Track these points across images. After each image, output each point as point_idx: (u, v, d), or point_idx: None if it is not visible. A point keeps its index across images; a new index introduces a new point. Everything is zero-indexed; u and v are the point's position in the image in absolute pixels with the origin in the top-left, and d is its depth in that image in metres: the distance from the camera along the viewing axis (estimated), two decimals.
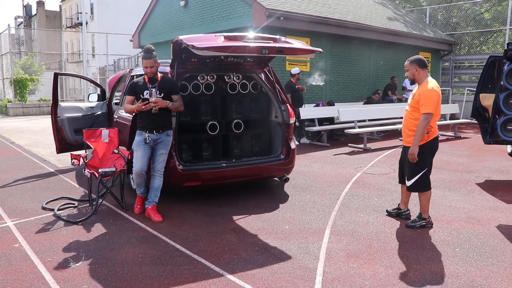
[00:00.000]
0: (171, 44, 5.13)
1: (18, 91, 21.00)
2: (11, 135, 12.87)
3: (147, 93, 4.97)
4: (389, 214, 5.22)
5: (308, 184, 6.70)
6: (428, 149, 4.69)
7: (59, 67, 28.45)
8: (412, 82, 4.83)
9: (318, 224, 4.91)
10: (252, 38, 5.04)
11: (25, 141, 11.41)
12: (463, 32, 19.36)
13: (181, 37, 4.72)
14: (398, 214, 5.15)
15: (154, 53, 4.96)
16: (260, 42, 4.91)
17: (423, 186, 4.77)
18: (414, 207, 5.33)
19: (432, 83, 4.63)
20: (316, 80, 12.04)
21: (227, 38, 4.84)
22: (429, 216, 4.86)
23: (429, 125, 4.58)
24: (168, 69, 5.61)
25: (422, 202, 4.83)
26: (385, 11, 16.79)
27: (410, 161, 4.68)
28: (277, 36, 5.37)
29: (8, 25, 21.77)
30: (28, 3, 54.50)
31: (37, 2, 48.71)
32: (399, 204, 5.23)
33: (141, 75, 5.38)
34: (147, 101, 4.88)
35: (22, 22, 53.47)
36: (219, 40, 4.77)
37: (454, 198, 5.98)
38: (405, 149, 4.88)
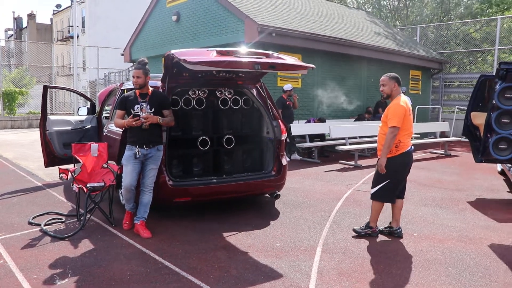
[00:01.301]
0: (163, 58, 5.09)
1: (6, 104, 20.79)
2: None
3: (137, 107, 4.91)
4: (381, 232, 5.17)
5: (299, 201, 6.64)
6: (396, 163, 4.79)
7: (49, 80, 28.31)
8: (387, 97, 4.96)
9: (309, 241, 4.85)
10: (244, 53, 5.02)
11: (13, 154, 11.24)
12: (453, 51, 19.63)
13: (173, 51, 4.69)
14: (391, 232, 5.12)
15: (146, 66, 4.94)
16: (253, 58, 4.90)
17: (381, 196, 4.92)
18: (402, 221, 5.29)
19: (400, 99, 4.80)
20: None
21: (220, 53, 4.81)
22: (376, 226, 5.05)
23: (398, 139, 4.73)
24: (159, 83, 5.57)
25: (373, 211, 5.01)
26: (376, 29, 16.97)
27: (377, 170, 4.87)
28: (270, 52, 5.36)
29: None
30: (18, 15, 54.22)
31: (28, 15, 48.62)
32: (391, 222, 5.20)
33: (131, 89, 5.33)
34: (138, 117, 4.82)
35: (12, 35, 53.25)
36: (212, 55, 4.74)
37: (445, 217, 5.95)
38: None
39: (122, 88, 6.68)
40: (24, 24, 51.45)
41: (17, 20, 53.73)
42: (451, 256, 4.46)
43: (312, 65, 5.19)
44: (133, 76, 4.91)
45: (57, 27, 43.30)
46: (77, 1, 27.95)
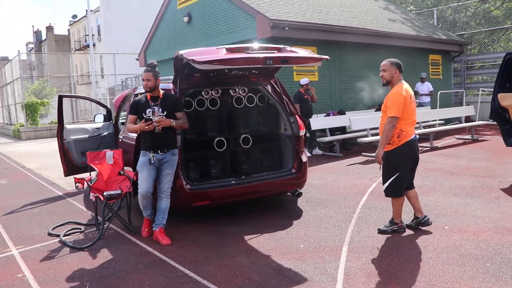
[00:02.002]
0: (173, 60, 4.96)
1: (29, 115, 21.12)
2: (22, 159, 12.82)
3: (149, 111, 4.79)
4: (409, 227, 4.92)
5: (322, 197, 6.43)
6: (400, 153, 4.58)
7: (69, 90, 28.66)
8: (387, 84, 4.72)
9: (334, 241, 4.64)
10: (255, 49, 4.84)
11: (35, 165, 11.33)
12: (473, 32, 18.99)
13: (181, 52, 4.55)
14: (418, 223, 4.88)
15: (155, 68, 4.83)
16: (264, 53, 4.71)
17: (394, 191, 4.69)
18: (431, 213, 5.04)
19: (399, 86, 4.60)
20: None
21: (229, 50, 4.65)
22: (401, 221, 4.81)
23: (399, 128, 4.52)
24: (171, 85, 5.44)
25: (394, 207, 4.78)
26: (391, 15, 16.54)
27: (384, 165, 4.66)
28: (282, 46, 5.15)
29: (18, 51, 21.99)
30: (38, 29, 55.24)
31: (47, 28, 49.44)
32: (414, 213, 4.96)
33: (143, 93, 5.22)
34: (150, 121, 4.70)
35: (33, 48, 54.30)
36: (221, 53, 4.57)
37: (478, 206, 5.64)
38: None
39: (135, 92, 6.59)
40: (43, 37, 52.36)
41: (37, 34, 54.76)
42: (487, 250, 4.17)
43: (326, 56, 4.97)
44: (143, 80, 4.80)
45: (74, 37, 43.95)
46: (91, 10, 28.22)
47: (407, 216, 5.30)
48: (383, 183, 4.75)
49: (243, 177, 5.61)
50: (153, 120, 4.72)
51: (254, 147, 6.07)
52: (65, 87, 33.12)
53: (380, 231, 4.81)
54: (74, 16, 45.50)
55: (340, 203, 6.11)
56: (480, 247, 4.25)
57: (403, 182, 4.66)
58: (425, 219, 4.85)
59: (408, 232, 4.79)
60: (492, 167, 8.05)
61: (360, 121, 10.64)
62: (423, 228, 4.83)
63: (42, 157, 13.08)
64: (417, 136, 4.80)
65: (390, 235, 4.71)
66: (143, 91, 5.58)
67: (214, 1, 13.05)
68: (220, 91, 5.85)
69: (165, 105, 4.83)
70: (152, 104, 4.81)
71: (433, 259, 4.04)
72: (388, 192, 4.74)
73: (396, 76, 4.65)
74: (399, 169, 4.60)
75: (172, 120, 4.79)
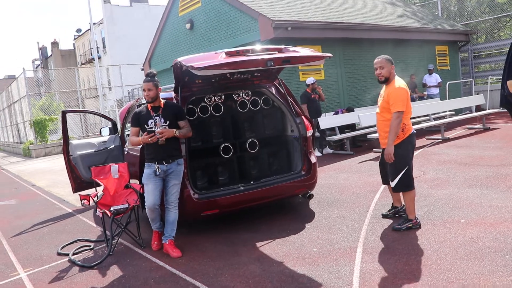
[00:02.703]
0: (172, 67, 4.88)
1: (38, 132, 21.22)
2: (32, 177, 12.86)
3: (151, 122, 4.70)
4: (386, 216, 5.06)
5: (334, 197, 6.31)
6: (406, 146, 4.65)
7: (78, 104, 28.82)
8: (385, 81, 4.70)
9: (348, 242, 4.52)
10: (256, 51, 4.73)
11: (45, 182, 11.34)
12: (479, 20, 18.72)
13: (179, 59, 4.46)
14: (396, 212, 5.02)
15: (155, 78, 4.75)
16: (265, 54, 4.60)
17: (407, 185, 4.68)
18: (446, 206, 4.89)
19: (399, 81, 4.63)
20: None
21: (229, 54, 4.54)
22: (415, 217, 4.73)
23: (403, 122, 4.56)
24: (173, 94, 5.36)
25: (406, 203, 4.74)
26: (395, 9, 16.36)
27: (388, 161, 4.64)
28: (283, 46, 5.05)
29: (23, 68, 22.16)
30: (43, 45, 55.77)
31: (52, 43, 49.85)
32: (392, 203, 5.09)
33: (144, 104, 5.14)
34: (153, 133, 4.61)
35: (39, 64, 54.80)
36: (220, 57, 4.48)
37: (493, 197, 5.48)
38: (382, 150, 4.86)
39: (138, 103, 6.52)
40: (49, 53, 52.81)
41: (42, 50, 55.29)
42: (506, 242, 4.02)
43: (329, 54, 4.86)
44: (144, 90, 4.72)
45: (79, 51, 44.24)
46: (95, 23, 28.44)
47: (422, 211, 5.16)
48: (392, 180, 4.72)
49: (252, 182, 5.50)
50: (156, 132, 4.64)
51: (261, 151, 5.96)
52: (74, 101, 33.35)
53: (395, 229, 4.70)
54: (79, 30, 45.80)
55: (353, 202, 5.98)
56: (498, 239, 4.11)
57: (411, 175, 4.67)
58: (403, 209, 4.95)
59: (424, 228, 4.65)
60: (506, 156, 7.86)
61: (369, 117, 10.46)
62: (439, 222, 4.71)
63: (52, 174, 13.10)
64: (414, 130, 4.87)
65: (405, 232, 4.58)
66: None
67: (215, 6, 13.00)
68: (223, 96, 5.76)
69: (167, 114, 4.75)
70: (154, 114, 4.73)
71: (450, 254, 3.90)
72: (399, 187, 4.70)
73: (392, 72, 4.68)
74: (408, 162, 4.64)
75: (175, 130, 4.70)
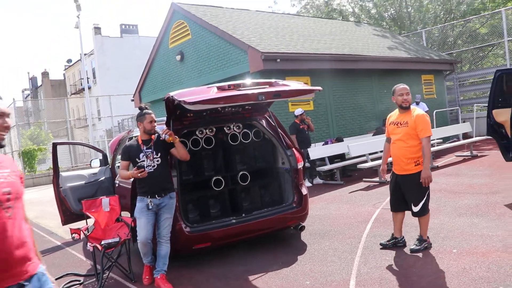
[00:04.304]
0: (164, 101, 4.94)
1: (27, 163, 21.04)
2: None
3: (142, 155, 4.72)
4: (385, 246, 5.10)
5: (326, 229, 6.31)
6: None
7: (67, 134, 28.73)
8: (409, 107, 4.88)
9: (341, 274, 4.51)
10: (247, 85, 4.81)
11: (33, 214, 11.16)
12: (461, 50, 19.23)
13: (172, 94, 4.53)
14: (396, 243, 5.08)
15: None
16: (256, 89, 4.68)
17: (427, 208, 4.86)
18: (438, 236, 4.91)
19: (417, 109, 4.89)
20: None
21: (221, 89, 4.62)
22: (428, 237, 4.95)
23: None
24: (165, 127, 5.39)
25: (423, 225, 4.91)
26: (381, 40, 16.76)
27: (414, 187, 4.78)
28: (273, 80, 5.14)
29: (13, 99, 22.15)
30: (33, 75, 55.87)
31: (42, 73, 49.97)
32: (393, 233, 5.16)
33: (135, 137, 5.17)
34: (143, 169, 4.60)
35: (29, 94, 54.75)
36: (212, 92, 4.55)
37: (484, 225, 5.53)
38: (401, 177, 4.93)
39: (129, 136, 6.54)
40: (39, 83, 52.88)
41: (32, 80, 55.34)
42: (499, 272, 4.05)
43: (319, 87, 4.97)
44: (149, 122, 4.72)
45: (69, 81, 44.37)
46: (85, 54, 28.60)
47: (413, 241, 5.19)
48: (416, 204, 4.82)
49: (244, 215, 5.50)
50: (163, 132, 4.68)
51: (252, 183, 5.99)
52: (63, 131, 33.23)
53: (413, 251, 4.85)
54: (69, 61, 46.03)
55: (344, 233, 5.99)
56: (491, 269, 4.13)
57: (428, 199, 4.87)
58: (403, 240, 5.11)
59: (416, 258, 4.67)
60: (494, 183, 7.97)
61: (359, 147, 10.60)
62: (435, 253, 4.73)
63: (40, 205, 12.93)
64: None
65: (398, 263, 4.59)
66: (137, 133, 5.54)
67: (205, 38, 13.21)
68: (215, 129, 5.82)
69: (158, 146, 4.77)
70: (145, 147, 4.75)
71: (444, 285, 3.91)
72: (422, 212, 4.84)
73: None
74: (428, 186, 4.81)
75: (177, 137, 4.76)
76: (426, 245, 4.89)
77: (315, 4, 27.82)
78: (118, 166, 7.62)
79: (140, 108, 4.86)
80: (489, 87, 7.43)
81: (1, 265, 2.06)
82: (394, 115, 5.02)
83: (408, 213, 5.04)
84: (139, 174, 4.55)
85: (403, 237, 5.16)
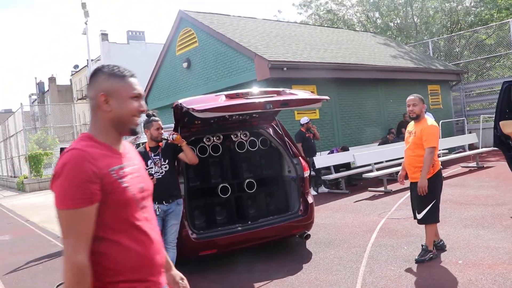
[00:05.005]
0: (172, 109, 4.98)
1: (33, 167, 21.16)
2: (26, 212, 12.75)
3: (151, 162, 4.76)
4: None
5: (331, 238, 6.32)
6: (435, 181, 4.86)
7: (73, 139, 28.88)
8: (416, 118, 4.97)
9: (346, 283, 4.52)
10: (254, 93, 4.87)
11: (39, 218, 11.24)
12: (469, 61, 19.24)
13: (180, 101, 4.58)
14: (435, 246, 5.12)
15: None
16: (263, 97, 4.73)
17: (432, 218, 4.90)
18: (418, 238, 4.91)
19: (430, 119, 4.96)
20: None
21: (229, 97, 4.67)
22: (433, 247, 5.01)
23: (433, 159, 4.82)
24: (175, 135, 5.44)
25: (428, 234, 4.95)
26: (387, 49, 16.81)
27: (419, 194, 4.82)
28: (281, 89, 5.19)
29: (21, 103, 22.32)
30: (40, 80, 56.36)
31: (49, 79, 50.38)
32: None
33: (144, 143, 5.21)
34: (152, 176, 4.63)
35: (36, 99, 55.15)
36: (220, 100, 4.60)
37: (490, 237, 5.52)
38: (413, 184, 5.04)
39: (136, 142, 6.59)
40: (46, 88, 53.27)
41: (39, 85, 55.80)
42: (505, 284, 4.04)
43: (326, 97, 5.01)
44: (156, 129, 4.75)
45: (76, 86, 44.70)
46: (92, 60, 28.81)
47: (418, 252, 5.19)
48: (419, 212, 4.90)
49: (250, 222, 5.53)
50: (169, 135, 4.72)
51: (259, 191, 6.01)
52: (69, 136, 33.38)
53: (418, 261, 4.89)
54: (76, 66, 46.43)
55: (349, 242, 5.99)
56: (497, 281, 4.13)
57: (437, 209, 4.90)
58: (441, 243, 5.17)
59: (422, 269, 4.67)
60: (500, 195, 7.95)
61: (364, 156, 10.61)
62: (440, 263, 4.74)
63: (46, 209, 12.98)
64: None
65: (403, 274, 4.59)
66: (144, 139, 5.57)
67: (212, 46, 13.30)
68: (222, 136, 5.85)
69: (166, 152, 4.81)
70: (153, 154, 4.79)
71: None
72: (426, 220, 4.90)
73: (423, 110, 4.98)
74: (436, 196, 4.87)
75: (184, 141, 4.78)
76: (431, 255, 4.90)
77: (321, 14, 27.94)
78: None
79: (148, 115, 4.89)
80: (496, 97, 7.43)
81: (143, 274, 1.75)
82: (411, 124, 5.15)
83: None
84: None
85: (441, 240, 5.23)
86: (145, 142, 4.97)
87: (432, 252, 4.92)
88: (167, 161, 4.79)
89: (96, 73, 1.79)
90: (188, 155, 4.80)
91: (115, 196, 1.67)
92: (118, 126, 1.78)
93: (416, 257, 4.94)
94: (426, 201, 4.84)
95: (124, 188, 1.69)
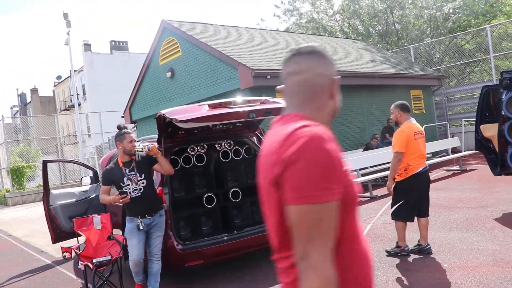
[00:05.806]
0: (155, 119, 4.95)
1: (15, 180, 20.81)
2: (8, 226, 12.51)
3: (126, 179, 4.63)
4: (412, 251, 5.31)
5: None
6: (406, 185, 5.12)
7: (56, 151, 28.54)
8: (396, 124, 5.35)
9: None
10: (238, 103, 4.87)
11: (22, 232, 11.05)
12: (449, 66, 19.56)
13: (163, 112, 4.56)
14: (420, 250, 5.27)
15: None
16: (247, 106, 4.74)
17: (399, 215, 5.20)
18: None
19: (405, 124, 5.17)
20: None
21: (212, 106, 4.67)
22: (406, 245, 5.28)
23: (406, 163, 5.05)
24: (156, 144, 5.40)
25: (397, 230, 5.28)
26: (369, 56, 16.99)
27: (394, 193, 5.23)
28: (264, 97, 5.21)
29: (2, 115, 22.05)
30: (22, 92, 55.60)
31: (31, 90, 49.73)
32: (419, 240, 5.36)
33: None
34: (125, 195, 4.55)
35: (18, 111, 54.37)
36: (204, 109, 4.59)
37: (474, 239, 5.59)
38: None
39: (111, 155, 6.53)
40: (28, 99, 52.58)
41: (21, 96, 55.04)
42: (489, 286, 4.10)
43: None
44: (129, 142, 4.63)
45: (59, 97, 44.16)
46: (75, 70, 28.62)
47: (404, 257, 5.22)
48: (391, 207, 5.29)
49: (236, 232, 5.50)
50: (145, 147, 4.66)
51: (244, 200, 5.99)
52: (52, 148, 32.99)
53: (387, 251, 5.36)
54: (59, 77, 45.89)
55: None
56: (481, 283, 4.18)
57: (409, 209, 5.14)
58: (427, 247, 5.26)
59: (406, 273, 4.70)
60: (483, 197, 8.06)
61: (349, 162, 10.63)
62: (427, 268, 4.76)
63: (30, 223, 12.78)
64: (427, 167, 5.30)
65: (389, 277, 4.61)
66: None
67: (195, 55, 13.29)
68: (206, 146, 5.84)
69: (140, 167, 4.69)
70: (127, 170, 4.65)
71: None
72: (393, 216, 5.27)
73: (399, 116, 5.21)
74: (404, 197, 5.13)
75: (159, 152, 4.65)
76: (398, 250, 5.26)
77: (303, 23, 28.13)
78: None
79: (119, 128, 4.78)
80: (477, 102, 7.57)
81: None
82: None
83: (428, 228, 5.43)
84: (121, 200, 4.46)
85: (428, 244, 5.30)
86: (117, 157, 4.83)
87: (401, 249, 5.24)
88: (143, 175, 4.66)
89: (325, 54, 1.54)
90: (164, 166, 4.71)
91: (349, 192, 1.35)
92: (331, 120, 1.59)
93: (387, 248, 5.42)
94: (395, 200, 5.20)
95: (353, 184, 1.38)
